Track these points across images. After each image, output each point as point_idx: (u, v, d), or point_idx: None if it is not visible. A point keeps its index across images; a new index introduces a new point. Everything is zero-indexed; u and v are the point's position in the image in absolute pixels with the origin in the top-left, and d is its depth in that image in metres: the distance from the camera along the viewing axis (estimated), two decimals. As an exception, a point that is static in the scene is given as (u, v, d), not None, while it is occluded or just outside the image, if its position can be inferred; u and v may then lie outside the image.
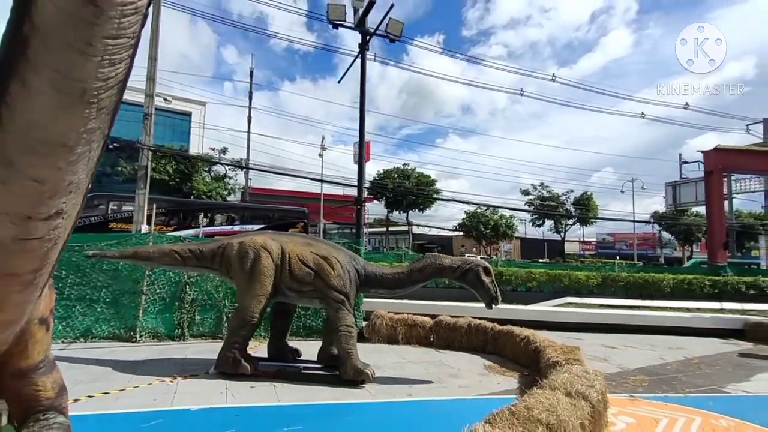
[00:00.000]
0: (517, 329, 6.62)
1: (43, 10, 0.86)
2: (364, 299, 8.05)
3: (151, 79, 12.14)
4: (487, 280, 5.09)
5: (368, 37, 8.56)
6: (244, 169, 27.24)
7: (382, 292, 5.31)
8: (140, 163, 12.35)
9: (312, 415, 3.87)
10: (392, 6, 8.34)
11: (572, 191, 45.71)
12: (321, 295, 4.94)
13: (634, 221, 42.74)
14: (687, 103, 28.33)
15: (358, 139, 9.06)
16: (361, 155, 8.58)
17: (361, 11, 8.29)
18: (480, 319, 7.33)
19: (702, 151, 15.34)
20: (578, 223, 46.82)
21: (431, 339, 7.30)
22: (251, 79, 31.68)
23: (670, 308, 11.95)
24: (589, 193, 45.41)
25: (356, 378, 4.74)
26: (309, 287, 4.93)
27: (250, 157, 28.82)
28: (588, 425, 3.30)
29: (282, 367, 5.04)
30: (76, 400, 3.71)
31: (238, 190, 29.85)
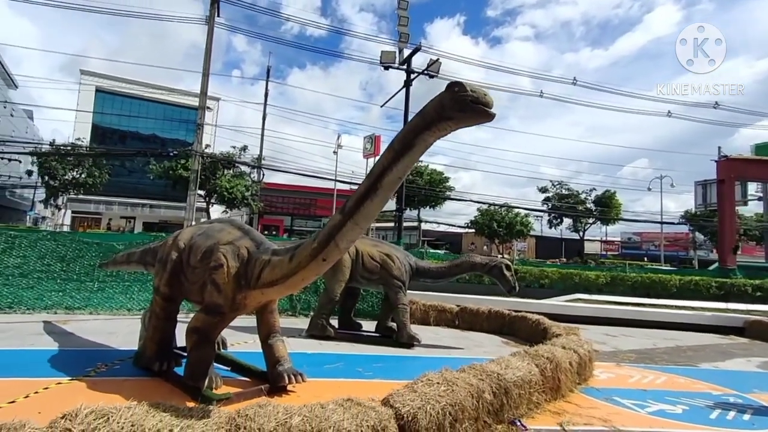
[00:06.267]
0: (529, 314, 8.75)
1: (387, 178, 3.06)
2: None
3: (203, 93, 14.43)
4: (507, 273, 7.22)
5: (413, 76, 10.80)
6: (261, 168, 29.55)
7: (428, 282, 7.53)
8: (192, 167, 14.70)
9: (387, 359, 6.12)
10: (438, 60, 10.55)
11: (594, 189, 46.58)
12: (384, 282, 7.15)
13: (661, 222, 43.59)
14: (716, 103, 29.84)
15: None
16: (402, 192, 10.45)
17: (405, 52, 10.49)
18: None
19: (714, 160, 17.24)
20: (599, 222, 47.81)
21: (457, 322, 9.46)
22: (267, 77, 33.54)
23: (674, 306, 13.82)
24: (611, 191, 46.31)
25: (410, 341, 6.93)
26: (376, 276, 7.14)
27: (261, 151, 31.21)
28: (575, 365, 5.44)
29: (354, 333, 7.34)
30: (232, 345, 5.99)
31: (256, 185, 32.11)
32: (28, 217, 43.37)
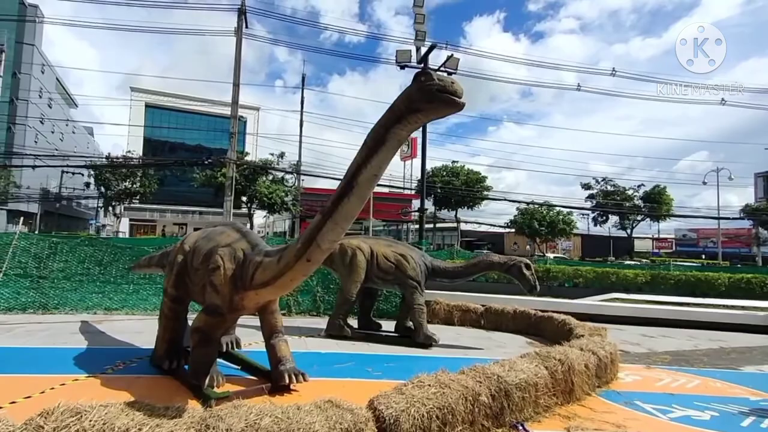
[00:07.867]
0: (556, 314, 8.36)
1: (362, 176, 3.02)
2: (426, 290, 10.15)
3: (234, 102, 14.97)
4: (527, 273, 6.94)
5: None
6: (299, 174, 30.25)
7: (445, 282, 7.39)
8: (228, 174, 15.28)
9: (400, 359, 6.06)
10: (452, 55, 10.37)
11: (642, 185, 44.16)
12: (400, 282, 7.09)
13: (718, 218, 40.42)
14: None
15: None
16: (423, 193, 10.52)
17: (422, 51, 10.41)
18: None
19: (768, 147, 15.66)
20: (648, 219, 45.14)
21: (481, 322, 9.21)
22: (303, 85, 34.31)
23: (723, 306, 12.69)
24: (661, 186, 43.74)
25: (426, 342, 6.83)
26: (391, 276, 7.10)
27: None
28: (592, 367, 5.12)
29: (372, 333, 7.33)
30: (248, 344, 6.16)
31: (295, 190, 32.82)
32: (91, 225, 46.96)
